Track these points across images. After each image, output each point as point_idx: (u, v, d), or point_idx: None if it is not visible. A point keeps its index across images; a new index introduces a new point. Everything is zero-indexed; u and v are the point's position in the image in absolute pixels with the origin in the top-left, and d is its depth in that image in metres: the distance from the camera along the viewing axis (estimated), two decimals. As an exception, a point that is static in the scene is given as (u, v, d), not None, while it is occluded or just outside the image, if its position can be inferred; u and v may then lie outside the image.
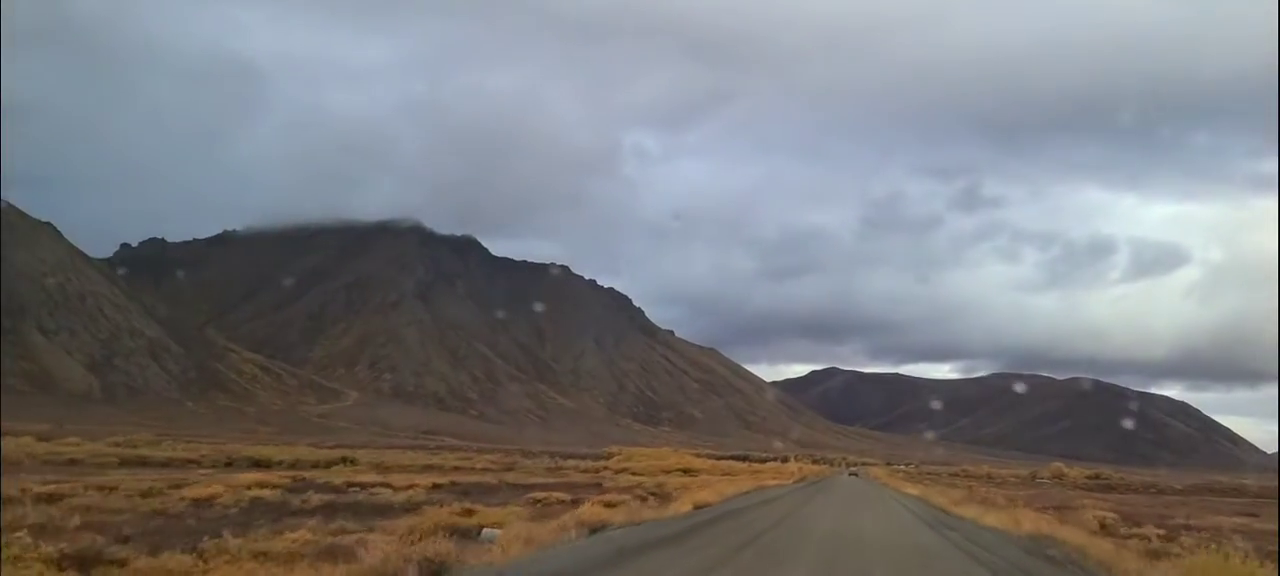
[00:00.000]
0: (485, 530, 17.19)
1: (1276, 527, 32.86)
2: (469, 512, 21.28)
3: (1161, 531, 26.42)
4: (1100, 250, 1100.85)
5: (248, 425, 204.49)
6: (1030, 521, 20.63)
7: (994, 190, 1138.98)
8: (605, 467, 63.94)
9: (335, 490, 32.78)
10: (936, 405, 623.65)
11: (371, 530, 17.54)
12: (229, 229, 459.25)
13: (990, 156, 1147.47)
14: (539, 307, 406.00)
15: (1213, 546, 16.58)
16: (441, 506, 23.09)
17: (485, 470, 65.29)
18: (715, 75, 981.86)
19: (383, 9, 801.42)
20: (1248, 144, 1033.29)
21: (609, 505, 23.30)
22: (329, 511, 23.95)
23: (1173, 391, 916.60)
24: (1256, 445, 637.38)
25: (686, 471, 60.99)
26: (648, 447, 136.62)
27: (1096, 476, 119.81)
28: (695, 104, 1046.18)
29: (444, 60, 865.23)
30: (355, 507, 25.26)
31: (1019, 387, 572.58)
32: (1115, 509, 41.10)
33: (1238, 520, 40.28)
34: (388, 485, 34.54)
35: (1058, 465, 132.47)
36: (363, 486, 33.96)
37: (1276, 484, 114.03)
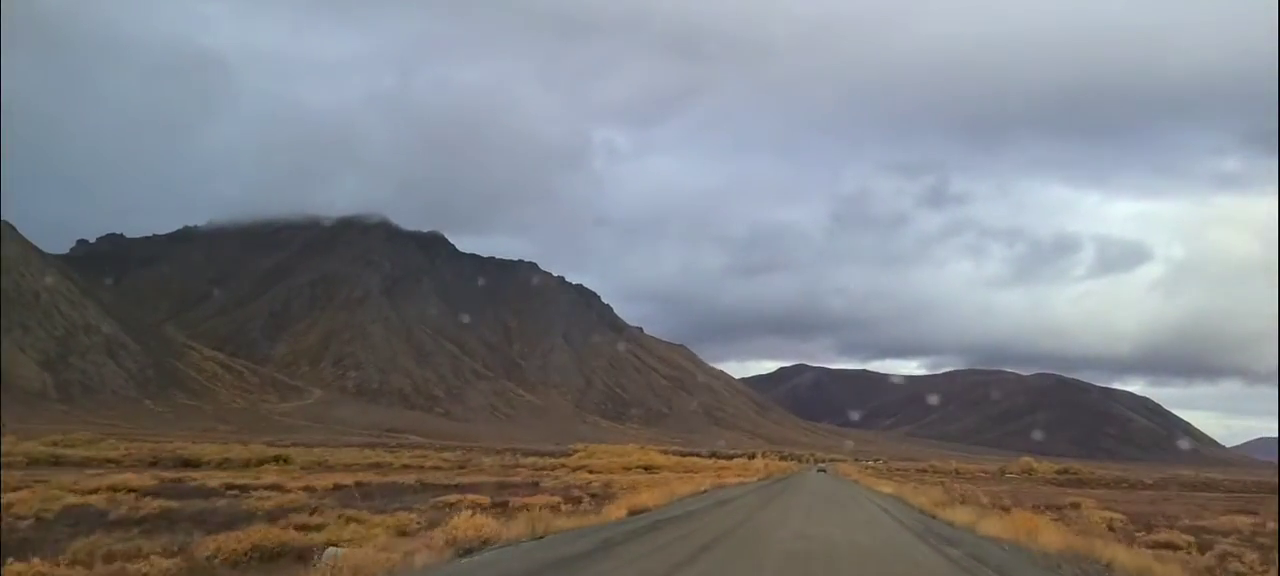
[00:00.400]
0: (330, 548, 12.77)
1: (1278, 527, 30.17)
2: (309, 528, 16.50)
3: (1188, 537, 22.24)
4: (1065, 247, 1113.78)
5: (207, 423, 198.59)
6: (1049, 531, 15.63)
7: (961, 187, 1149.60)
8: (561, 465, 59.12)
9: (204, 493, 27.75)
10: (912, 400, 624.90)
11: (177, 551, 12.99)
12: (191, 224, 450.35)
13: (957, 154, 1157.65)
14: (505, 306, 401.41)
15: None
16: (313, 514, 18.50)
17: (434, 468, 60.77)
18: (686, 72, 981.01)
19: (351, 2, 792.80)
20: (1210, 142, 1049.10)
21: (520, 510, 18.70)
22: (157, 522, 19.18)
23: (1135, 387, 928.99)
24: (1216, 439, 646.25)
25: (647, 469, 56.62)
26: (615, 445, 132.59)
27: (1065, 471, 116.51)
28: (666, 100, 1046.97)
29: (413, 55, 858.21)
30: (199, 517, 20.35)
31: (976, 398, 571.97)
32: (1112, 508, 36.71)
33: (1245, 520, 36.41)
34: (279, 487, 29.52)
35: (1027, 459, 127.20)
36: (244, 489, 28.90)
37: (1242, 477, 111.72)
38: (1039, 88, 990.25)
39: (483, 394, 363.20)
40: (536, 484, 36.82)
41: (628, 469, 55.98)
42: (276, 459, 60.37)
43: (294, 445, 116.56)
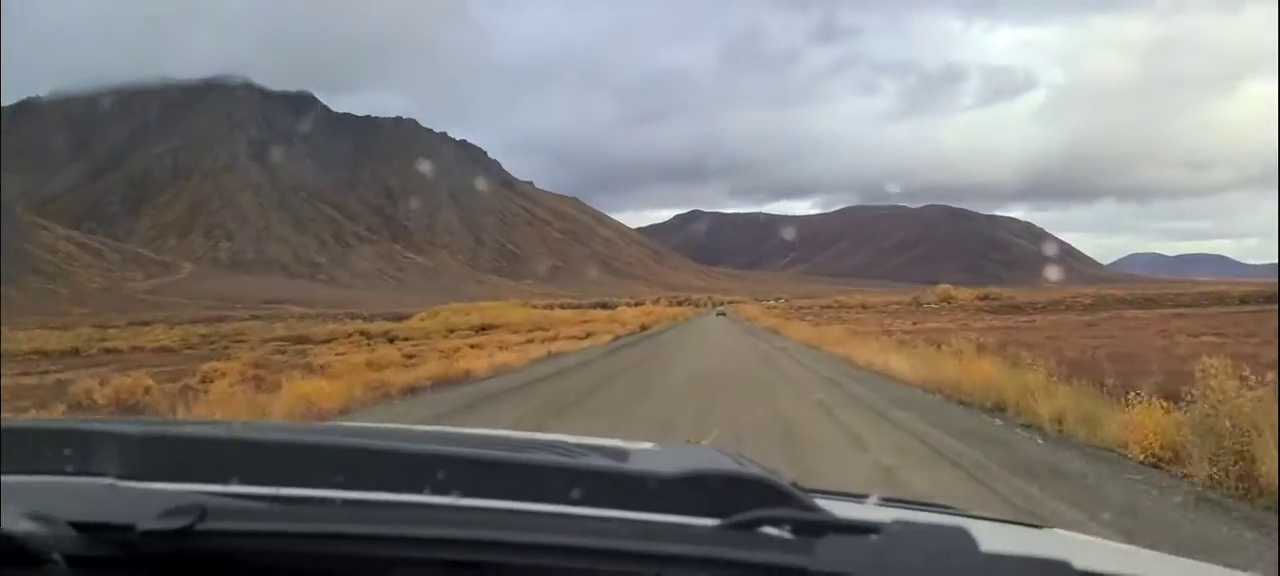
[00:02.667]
0: None
1: None
2: None
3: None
4: (953, 77, 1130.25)
5: (62, 306, 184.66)
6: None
7: (851, 20, 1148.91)
8: (360, 332, 48.62)
9: None
10: (790, 237, 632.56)
11: None
12: (32, 95, 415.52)
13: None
14: (387, 168, 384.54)
15: None
16: None
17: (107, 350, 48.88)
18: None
19: None
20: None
21: None
22: None
23: (1018, 212, 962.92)
24: (1094, 258, 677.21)
25: (482, 329, 47.77)
26: (496, 303, 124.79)
27: (987, 296, 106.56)
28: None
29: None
30: None
31: (869, 232, 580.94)
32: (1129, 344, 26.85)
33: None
34: None
35: (945, 287, 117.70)
36: None
37: (1171, 292, 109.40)
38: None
39: (368, 258, 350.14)
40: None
41: (451, 331, 46.19)
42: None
43: (132, 323, 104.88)
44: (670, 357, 27.40)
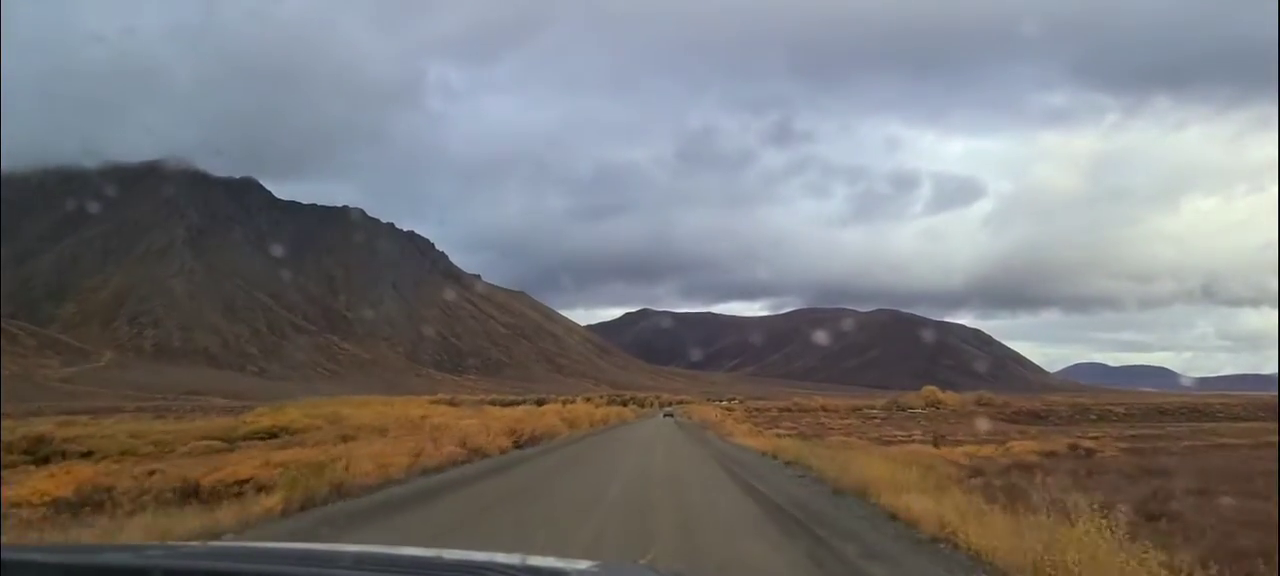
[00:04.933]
0: None
1: None
2: None
3: None
4: (905, 184, 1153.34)
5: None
6: None
7: (806, 124, 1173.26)
8: (38, 437, 37.47)
9: None
10: (740, 338, 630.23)
11: None
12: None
13: (801, 90, 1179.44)
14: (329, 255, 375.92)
15: None
16: None
17: None
18: (520, 2, 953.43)
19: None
20: (1039, 75, 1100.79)
21: None
22: None
23: (966, 319, 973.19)
24: (1041, 366, 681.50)
25: (269, 436, 38.54)
26: (404, 397, 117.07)
27: (980, 401, 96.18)
28: (501, 35, 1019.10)
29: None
30: None
31: (819, 336, 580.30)
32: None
33: None
34: None
35: (931, 390, 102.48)
36: None
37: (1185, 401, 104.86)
38: (878, 22, 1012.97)
39: (303, 349, 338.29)
40: None
41: (202, 437, 35.52)
42: None
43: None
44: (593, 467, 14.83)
